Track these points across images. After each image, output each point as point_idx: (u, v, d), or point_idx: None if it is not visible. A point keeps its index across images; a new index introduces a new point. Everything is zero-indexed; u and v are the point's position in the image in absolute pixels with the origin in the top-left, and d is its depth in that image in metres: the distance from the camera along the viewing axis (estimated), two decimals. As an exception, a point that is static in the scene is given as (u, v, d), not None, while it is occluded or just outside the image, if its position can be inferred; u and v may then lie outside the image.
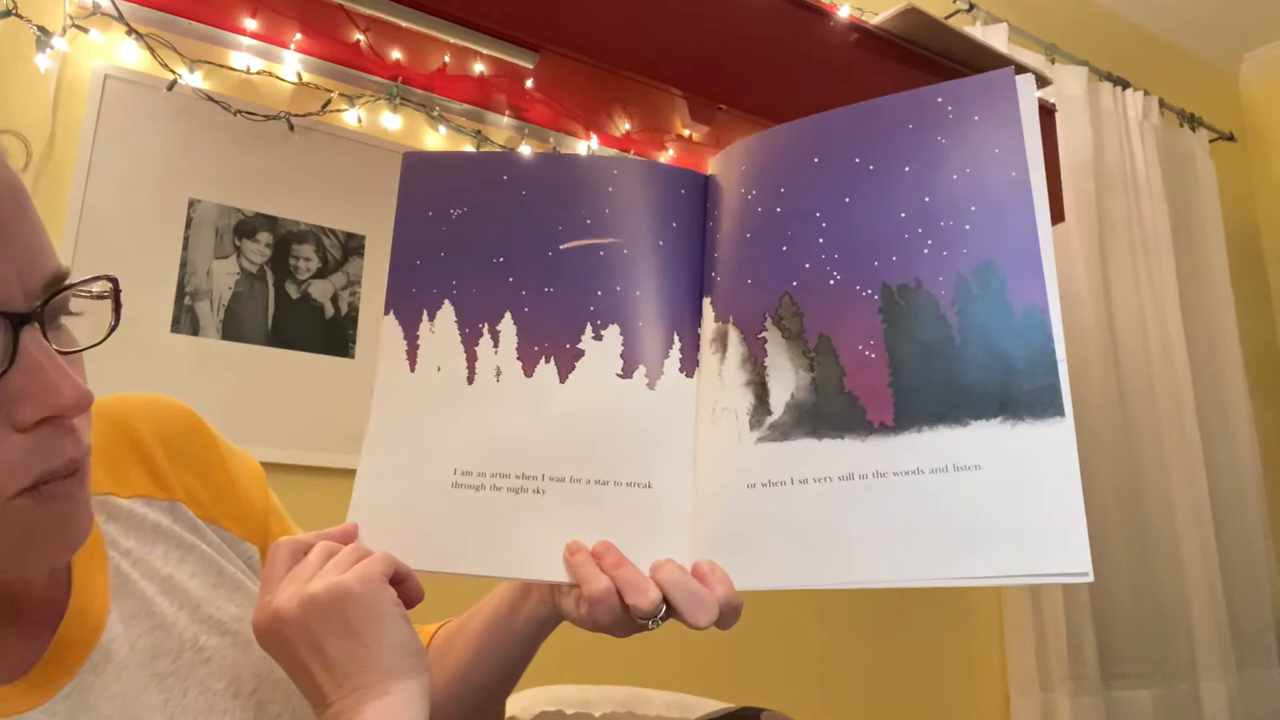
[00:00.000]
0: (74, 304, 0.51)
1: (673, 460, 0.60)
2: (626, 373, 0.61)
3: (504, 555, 0.60)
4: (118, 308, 0.52)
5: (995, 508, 0.51)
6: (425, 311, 0.64)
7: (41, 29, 1.36)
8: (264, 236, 1.52)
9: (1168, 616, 2.40)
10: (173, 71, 1.46)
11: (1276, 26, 3.14)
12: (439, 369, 0.63)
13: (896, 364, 0.55)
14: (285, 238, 1.54)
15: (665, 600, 0.55)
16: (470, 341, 0.63)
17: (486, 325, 0.63)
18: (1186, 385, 2.55)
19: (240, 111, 1.52)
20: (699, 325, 0.62)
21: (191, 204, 1.47)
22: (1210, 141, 2.97)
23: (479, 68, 1.60)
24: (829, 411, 0.56)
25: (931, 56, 1.85)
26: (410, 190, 0.67)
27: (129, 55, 1.45)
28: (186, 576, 0.62)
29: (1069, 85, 2.55)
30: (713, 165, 0.65)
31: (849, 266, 0.58)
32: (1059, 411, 0.51)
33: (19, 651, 0.53)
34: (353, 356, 1.57)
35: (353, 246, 1.60)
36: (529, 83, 1.64)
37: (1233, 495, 2.64)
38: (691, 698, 1.45)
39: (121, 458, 0.63)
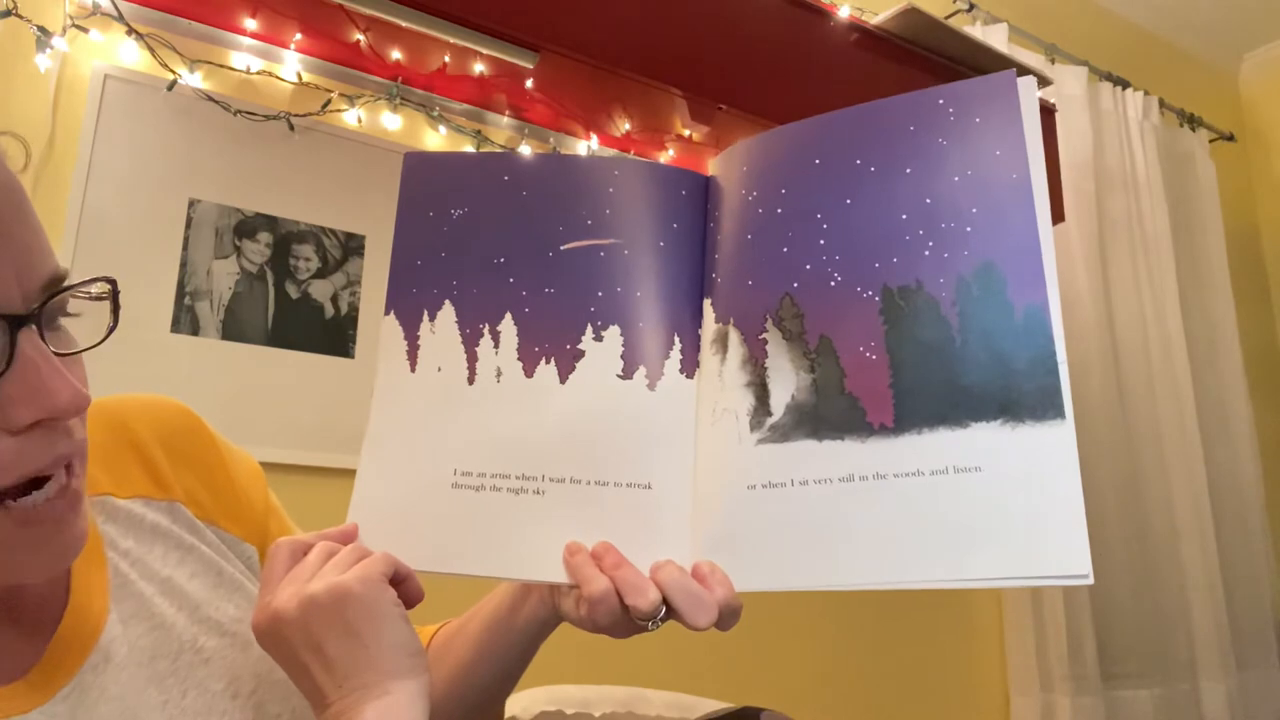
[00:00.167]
0: (73, 305, 0.51)
1: (673, 461, 0.60)
2: (627, 373, 0.61)
3: (504, 556, 0.60)
4: (116, 309, 0.52)
5: (995, 509, 0.51)
6: (426, 312, 0.64)
7: (41, 29, 1.36)
8: (264, 236, 1.52)
9: (1168, 616, 2.40)
10: (173, 71, 1.46)
11: (1276, 26, 3.14)
12: (439, 369, 0.63)
13: (897, 365, 0.55)
14: (285, 238, 1.54)
15: (665, 601, 0.55)
16: (471, 342, 0.63)
17: (487, 326, 0.63)
18: (1186, 385, 2.55)
19: (240, 111, 1.52)
20: (699, 326, 0.62)
21: (191, 204, 1.47)
22: (1210, 141, 2.97)
23: (479, 68, 1.60)
24: (829, 413, 0.56)
25: (931, 57, 1.85)
26: (411, 190, 0.67)
27: (129, 55, 1.45)
28: (186, 577, 0.62)
29: (1069, 85, 2.55)
30: (713, 166, 0.65)
31: (850, 268, 0.58)
32: (1059, 413, 0.51)
33: (18, 652, 0.53)
34: (353, 356, 1.57)
35: (353, 246, 1.60)
36: (529, 83, 1.64)
37: (1233, 495, 2.64)
38: (691, 698, 1.45)
39: (120, 458, 0.63)
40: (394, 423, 0.63)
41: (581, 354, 0.61)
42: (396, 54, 1.59)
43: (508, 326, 0.63)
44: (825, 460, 0.56)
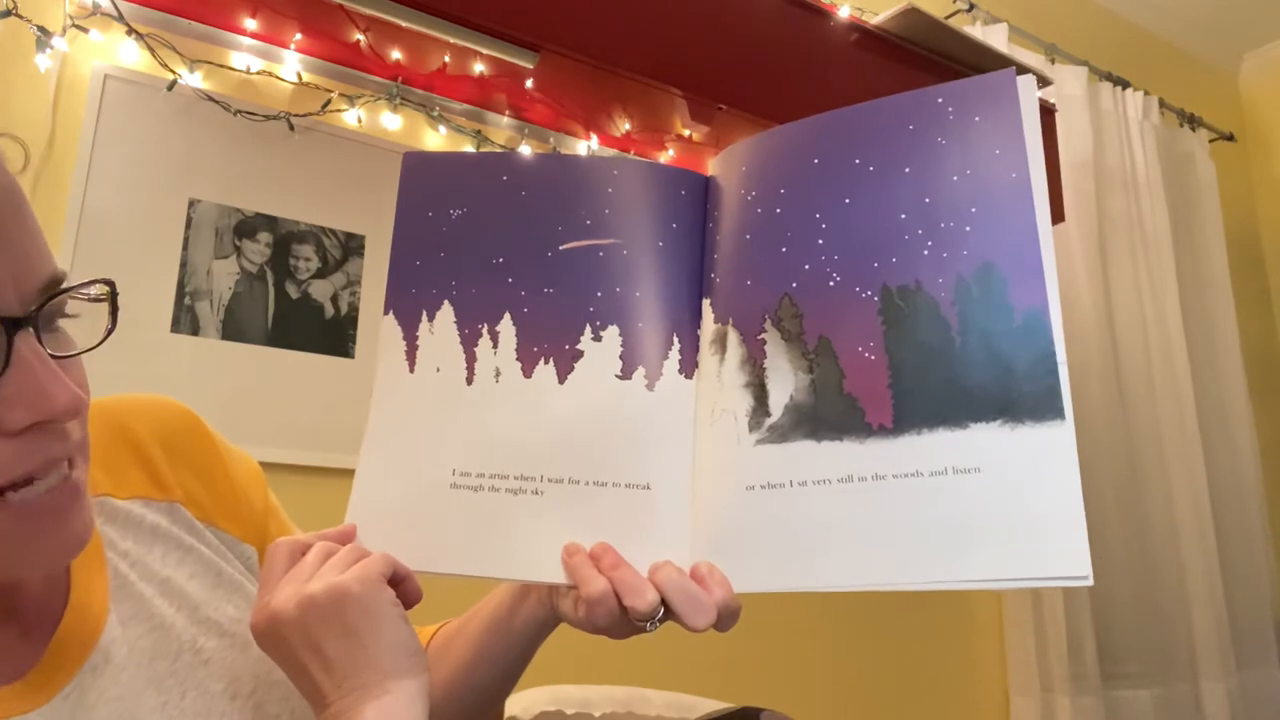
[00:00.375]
0: (72, 306, 0.51)
1: (671, 462, 0.59)
2: (626, 374, 0.61)
3: (502, 556, 0.60)
4: (115, 311, 0.52)
5: (995, 511, 0.51)
6: (425, 312, 0.64)
7: (41, 29, 1.36)
8: (264, 236, 1.52)
9: (1168, 616, 2.40)
10: (173, 71, 1.46)
11: (1276, 26, 3.14)
12: (438, 369, 0.63)
13: (896, 366, 0.55)
14: (285, 238, 1.54)
15: (663, 602, 0.55)
16: (469, 342, 0.63)
17: (486, 326, 0.63)
18: (1186, 385, 2.55)
19: (240, 111, 1.52)
20: (698, 326, 0.62)
21: (191, 204, 1.47)
22: (1210, 141, 2.97)
23: (479, 68, 1.60)
24: (828, 413, 0.56)
25: (931, 56, 1.85)
26: (410, 190, 0.67)
27: (129, 55, 1.45)
28: (185, 578, 0.62)
29: (1069, 85, 2.55)
30: (713, 166, 0.65)
31: (849, 268, 0.57)
32: (1059, 414, 0.51)
33: (17, 653, 0.53)
34: (353, 356, 1.57)
35: (353, 246, 1.60)
36: (529, 83, 1.64)
37: (1233, 495, 2.64)
38: (691, 698, 1.44)
39: (120, 458, 0.63)
40: (393, 423, 0.63)
41: (580, 354, 0.61)
42: (396, 54, 1.59)
43: (506, 327, 0.63)
44: (824, 461, 0.55)
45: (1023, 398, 0.52)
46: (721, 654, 1.81)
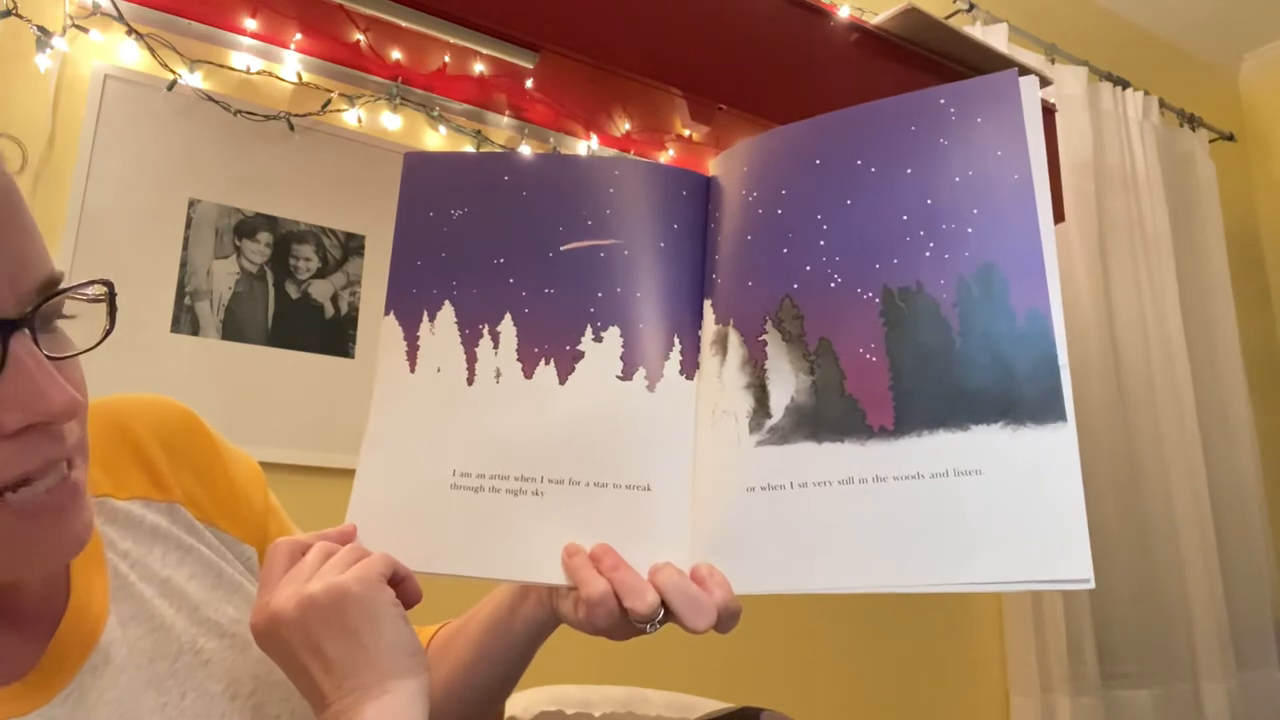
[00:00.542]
0: (70, 307, 0.50)
1: (672, 463, 0.59)
2: (626, 375, 0.61)
3: (502, 557, 0.60)
4: (113, 311, 0.52)
5: (996, 513, 0.51)
6: (425, 312, 0.64)
7: (41, 29, 1.36)
8: (264, 236, 1.52)
9: (1168, 616, 2.40)
10: (173, 71, 1.46)
11: (1276, 26, 3.14)
12: (439, 370, 0.63)
13: (897, 367, 0.55)
14: (285, 238, 1.54)
15: (663, 604, 0.55)
16: (470, 342, 0.63)
17: (486, 326, 0.63)
18: (1186, 385, 2.55)
19: (240, 111, 1.52)
20: (699, 327, 0.62)
21: (191, 204, 1.47)
22: (1210, 141, 2.97)
23: (479, 68, 1.60)
24: (829, 415, 0.56)
25: (931, 56, 1.85)
26: (411, 190, 0.67)
27: (129, 55, 1.45)
28: (185, 578, 0.62)
29: (1069, 85, 2.55)
30: (714, 166, 0.65)
31: (850, 269, 0.57)
32: (1061, 417, 0.51)
33: (17, 654, 0.53)
34: (353, 356, 1.57)
35: (353, 246, 1.60)
36: (529, 83, 1.64)
37: (1233, 495, 2.64)
38: (691, 698, 1.45)
39: (120, 459, 0.63)
40: (393, 423, 0.63)
41: (581, 355, 0.61)
42: (396, 54, 1.59)
43: (507, 327, 0.63)
44: (825, 462, 0.55)
45: (1024, 400, 0.52)
46: (721, 654, 1.81)
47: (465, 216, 0.65)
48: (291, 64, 1.57)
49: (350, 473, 0.64)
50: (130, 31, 1.43)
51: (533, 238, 0.64)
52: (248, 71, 1.53)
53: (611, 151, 1.84)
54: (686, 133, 1.79)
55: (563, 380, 0.61)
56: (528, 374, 0.62)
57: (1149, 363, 2.50)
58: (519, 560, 0.59)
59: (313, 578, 0.55)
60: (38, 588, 0.55)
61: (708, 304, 0.62)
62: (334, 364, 1.55)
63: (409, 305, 0.65)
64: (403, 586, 0.58)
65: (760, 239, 0.60)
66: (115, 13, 1.42)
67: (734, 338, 0.60)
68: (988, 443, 0.52)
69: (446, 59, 1.60)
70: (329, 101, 1.59)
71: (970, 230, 0.55)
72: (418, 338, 0.64)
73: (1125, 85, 2.72)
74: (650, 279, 0.62)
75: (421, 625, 0.70)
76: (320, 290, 1.56)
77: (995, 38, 2.37)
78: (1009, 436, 0.52)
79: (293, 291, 1.53)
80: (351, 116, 1.61)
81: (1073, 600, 2.21)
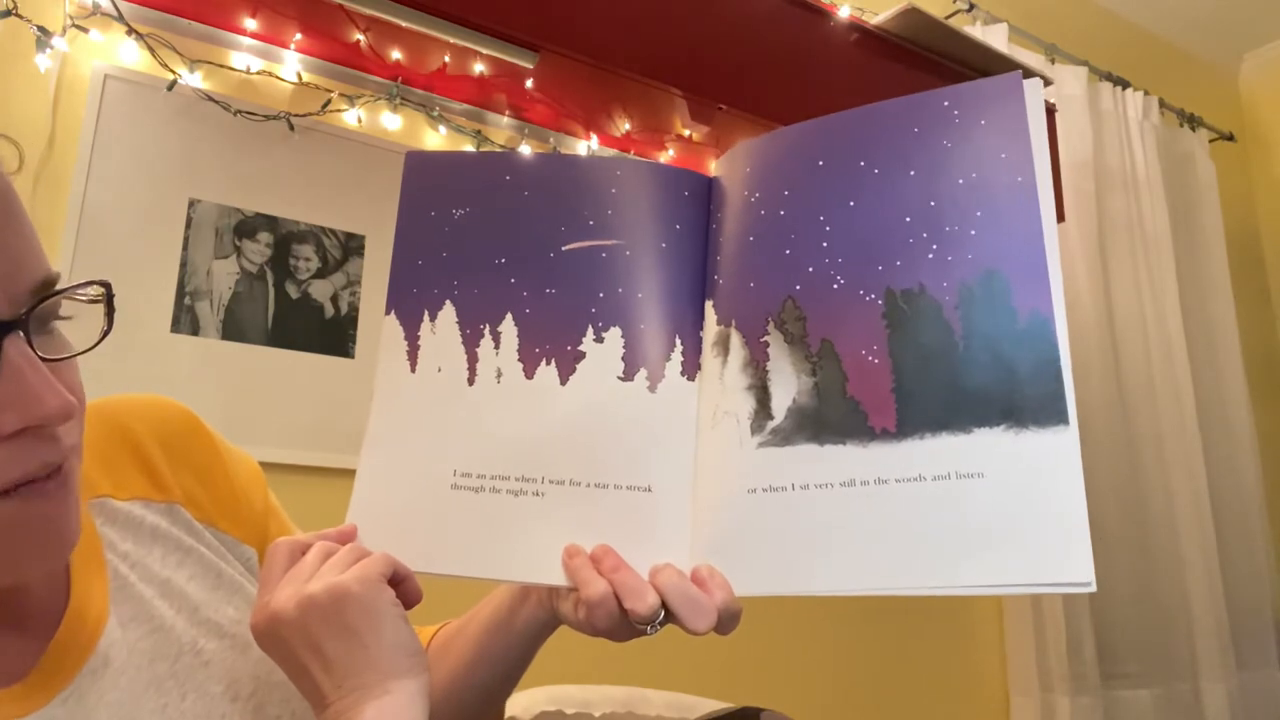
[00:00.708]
0: (68, 308, 0.50)
1: (673, 464, 0.59)
2: (628, 375, 0.60)
3: (502, 558, 0.59)
4: (110, 312, 0.52)
5: (998, 516, 0.51)
6: (426, 312, 0.64)
7: (41, 29, 1.36)
8: (264, 236, 1.52)
9: (1168, 616, 2.40)
10: (173, 71, 1.46)
11: (1276, 26, 3.14)
12: (440, 369, 0.63)
13: (899, 369, 0.55)
14: (285, 238, 1.54)
15: (664, 605, 0.55)
16: (471, 342, 0.63)
17: (488, 326, 0.63)
18: (1186, 385, 2.55)
19: (240, 111, 1.51)
20: (701, 328, 0.62)
21: (191, 204, 1.47)
22: (1210, 141, 2.97)
23: (479, 68, 1.60)
24: (831, 417, 0.56)
25: (931, 57, 1.85)
26: (412, 190, 0.67)
27: (129, 55, 1.45)
28: (185, 579, 0.62)
29: (1069, 85, 2.55)
30: (716, 167, 0.65)
31: (852, 270, 0.57)
32: (1063, 420, 0.51)
33: (17, 655, 0.52)
34: (353, 356, 1.57)
35: (353, 246, 1.60)
36: (529, 83, 1.64)
37: (1233, 495, 2.64)
38: (691, 698, 1.44)
39: (119, 459, 0.63)
40: (394, 423, 0.63)
41: (582, 355, 0.61)
42: (396, 54, 1.59)
43: (508, 327, 0.63)
44: (826, 464, 0.55)
45: (1027, 402, 0.51)
46: (721, 654, 1.81)
47: (467, 216, 0.65)
48: (291, 64, 1.57)
49: (350, 473, 0.64)
50: (130, 31, 1.43)
51: (534, 238, 0.64)
52: (248, 71, 1.53)
53: (611, 151, 1.84)
54: (686, 133, 1.79)
55: (564, 381, 0.61)
56: (529, 374, 0.62)
57: (1149, 363, 2.50)
58: (519, 561, 0.59)
59: (313, 578, 0.55)
60: (38, 589, 0.55)
61: (709, 305, 0.62)
62: (334, 364, 1.55)
63: (410, 305, 0.64)
64: (403, 587, 0.58)
65: (762, 240, 0.60)
66: (115, 13, 1.42)
67: (736, 339, 0.60)
68: (990, 445, 0.52)
69: (446, 59, 1.60)
70: (329, 101, 1.59)
71: (973, 232, 0.55)
72: (419, 337, 0.64)
73: (1125, 85, 2.72)
74: (652, 279, 0.62)
75: (422, 625, 0.70)
76: (320, 290, 1.56)
77: (995, 38, 2.37)
78: (1011, 439, 0.51)
79: (293, 291, 1.53)
80: (351, 116, 1.61)
81: (1072, 600, 2.21)
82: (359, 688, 0.53)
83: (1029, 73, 0.58)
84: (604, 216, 0.63)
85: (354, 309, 1.58)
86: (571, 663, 1.43)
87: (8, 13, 1.35)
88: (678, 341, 0.61)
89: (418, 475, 0.62)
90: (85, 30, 1.42)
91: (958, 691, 2.21)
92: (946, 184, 0.56)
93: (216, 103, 1.49)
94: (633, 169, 0.64)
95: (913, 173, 0.57)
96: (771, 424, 0.57)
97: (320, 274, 1.56)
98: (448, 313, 0.64)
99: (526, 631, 0.65)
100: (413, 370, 0.64)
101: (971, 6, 2.45)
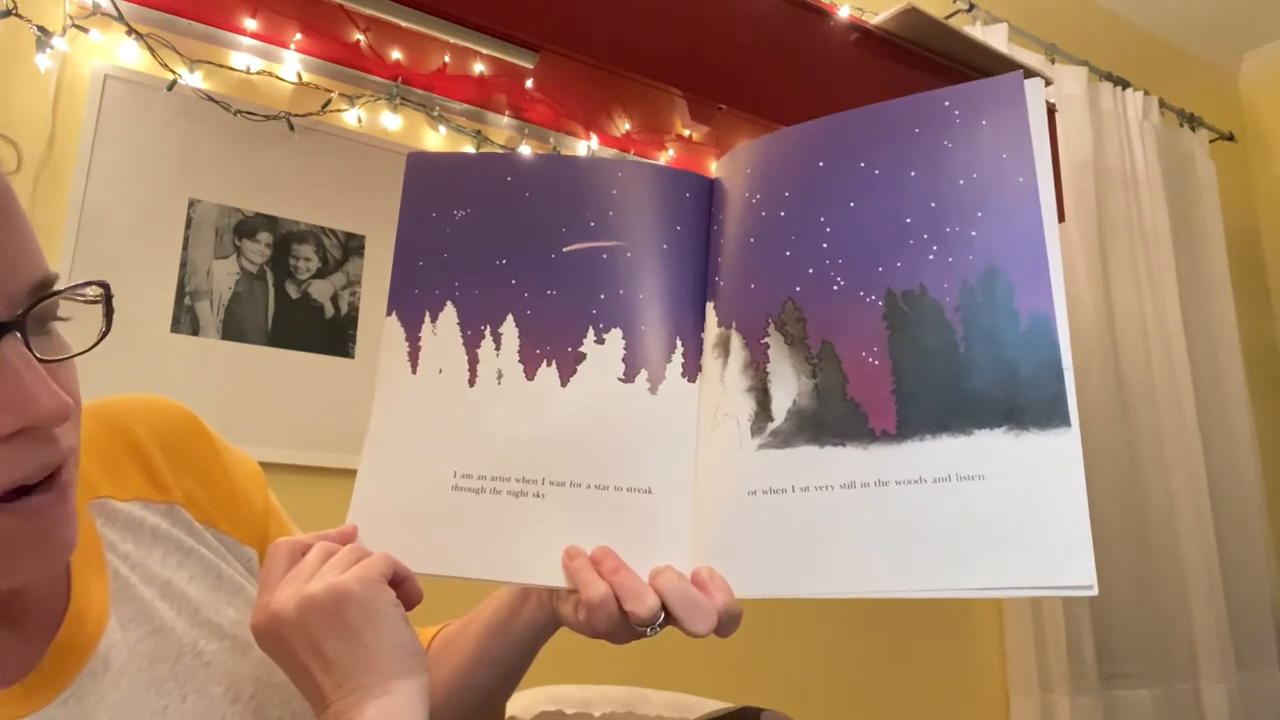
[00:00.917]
0: (67, 309, 0.50)
1: (673, 466, 0.59)
2: (628, 377, 0.60)
3: (503, 559, 0.59)
4: (109, 313, 0.51)
5: (998, 518, 0.50)
6: (428, 313, 0.64)
7: (41, 29, 1.36)
8: (264, 236, 1.52)
9: (1168, 616, 2.40)
10: (173, 71, 1.46)
11: (1276, 26, 3.14)
12: (440, 371, 0.63)
13: (900, 371, 0.55)
14: (285, 238, 1.54)
15: (664, 607, 0.55)
16: (472, 343, 0.63)
17: (489, 327, 0.63)
18: (1186, 385, 2.55)
19: (240, 111, 1.51)
20: (702, 330, 0.62)
21: (191, 204, 1.47)
22: (1210, 141, 2.97)
23: (479, 68, 1.60)
24: (831, 419, 0.56)
25: (931, 57, 1.85)
26: (414, 191, 0.66)
27: (129, 55, 1.45)
28: (185, 580, 0.62)
29: (1069, 85, 2.55)
30: (717, 168, 0.65)
31: (853, 271, 0.57)
32: (1065, 422, 0.50)
33: (17, 656, 0.52)
34: (353, 356, 1.57)
35: (353, 246, 1.60)
36: (529, 83, 1.64)
37: (1233, 495, 2.64)
38: (691, 698, 1.44)
39: (119, 460, 0.63)
40: (395, 424, 0.63)
41: (583, 356, 0.61)
42: (396, 54, 1.59)
43: (509, 328, 0.63)
44: (826, 466, 0.55)
45: (1028, 404, 0.51)
46: (721, 654, 1.81)
47: (468, 217, 0.65)
48: (291, 64, 1.57)
49: (350, 473, 0.64)
50: (130, 31, 1.43)
51: (535, 239, 0.64)
52: (248, 71, 1.53)
53: (612, 151, 1.84)
54: (686, 133, 1.79)
55: (564, 382, 0.61)
56: (529, 375, 0.62)
57: (1149, 363, 2.50)
58: (520, 562, 0.59)
59: (313, 578, 0.55)
60: (38, 590, 0.55)
61: (710, 306, 0.62)
62: (334, 364, 1.55)
63: (411, 306, 0.64)
64: (403, 587, 0.58)
65: (763, 241, 0.60)
66: (115, 13, 1.42)
67: (736, 340, 0.60)
68: (991, 447, 0.52)
69: (446, 59, 1.60)
70: (329, 101, 1.59)
71: (974, 233, 0.55)
72: (420, 338, 0.64)
73: (1125, 85, 2.72)
74: (652, 281, 0.62)
75: (422, 626, 0.70)
76: (320, 290, 1.56)
77: (995, 38, 2.37)
78: (1012, 441, 0.51)
79: (293, 291, 1.53)
80: (351, 116, 1.61)
81: (1072, 600, 2.21)
82: (359, 688, 0.52)
83: (1030, 73, 0.57)
84: (605, 218, 0.63)
85: (354, 309, 1.58)
86: (571, 663, 1.43)
87: (8, 13, 1.35)
88: (678, 343, 0.61)
89: (418, 476, 0.62)
90: (85, 30, 1.42)
91: (958, 691, 2.21)
92: (947, 185, 0.56)
93: (216, 103, 1.49)
94: (634, 170, 0.64)
95: (913, 173, 0.57)
96: (772, 426, 0.57)
97: (320, 274, 1.56)
98: (449, 314, 0.64)
99: (527, 633, 0.65)
100: (414, 371, 0.64)
101: (971, 6, 2.45)
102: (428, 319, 0.64)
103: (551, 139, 1.80)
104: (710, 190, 0.64)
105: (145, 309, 1.41)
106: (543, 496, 0.60)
